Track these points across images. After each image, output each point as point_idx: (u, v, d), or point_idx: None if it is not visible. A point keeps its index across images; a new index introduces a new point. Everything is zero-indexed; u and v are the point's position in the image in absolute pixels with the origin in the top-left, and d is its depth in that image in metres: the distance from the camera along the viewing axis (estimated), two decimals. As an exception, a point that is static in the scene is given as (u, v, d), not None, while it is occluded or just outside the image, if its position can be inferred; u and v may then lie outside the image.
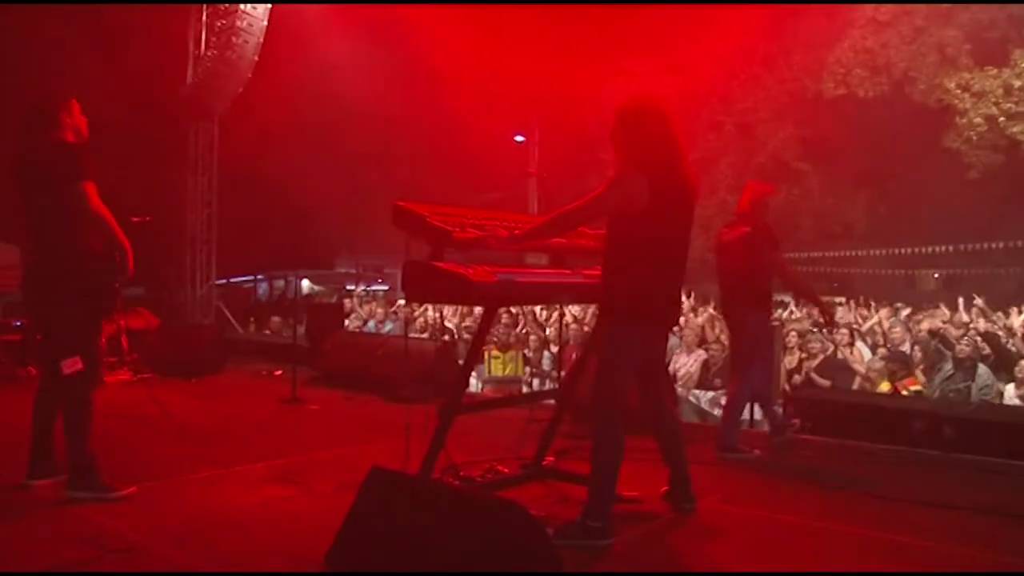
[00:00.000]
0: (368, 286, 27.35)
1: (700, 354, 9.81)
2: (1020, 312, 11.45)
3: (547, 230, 4.38)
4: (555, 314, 11.56)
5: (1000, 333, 9.86)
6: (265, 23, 13.73)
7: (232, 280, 24.15)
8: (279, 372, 10.32)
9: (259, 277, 28.83)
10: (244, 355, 12.00)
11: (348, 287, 27.04)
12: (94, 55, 14.83)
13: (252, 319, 17.63)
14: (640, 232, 4.16)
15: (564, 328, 9.97)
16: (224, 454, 5.92)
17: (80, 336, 4.76)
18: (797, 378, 9.34)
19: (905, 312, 12.85)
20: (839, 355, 9.43)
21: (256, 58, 13.82)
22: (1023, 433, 6.19)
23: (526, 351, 10.91)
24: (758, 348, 6.46)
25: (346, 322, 13.15)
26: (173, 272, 14.73)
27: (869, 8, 18.49)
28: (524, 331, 11.41)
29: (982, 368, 8.52)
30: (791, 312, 12.51)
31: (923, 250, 20.96)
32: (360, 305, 15.38)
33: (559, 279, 4.56)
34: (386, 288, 28.62)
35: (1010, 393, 8.24)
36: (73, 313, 4.72)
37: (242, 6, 13.45)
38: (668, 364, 9.32)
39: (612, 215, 4.27)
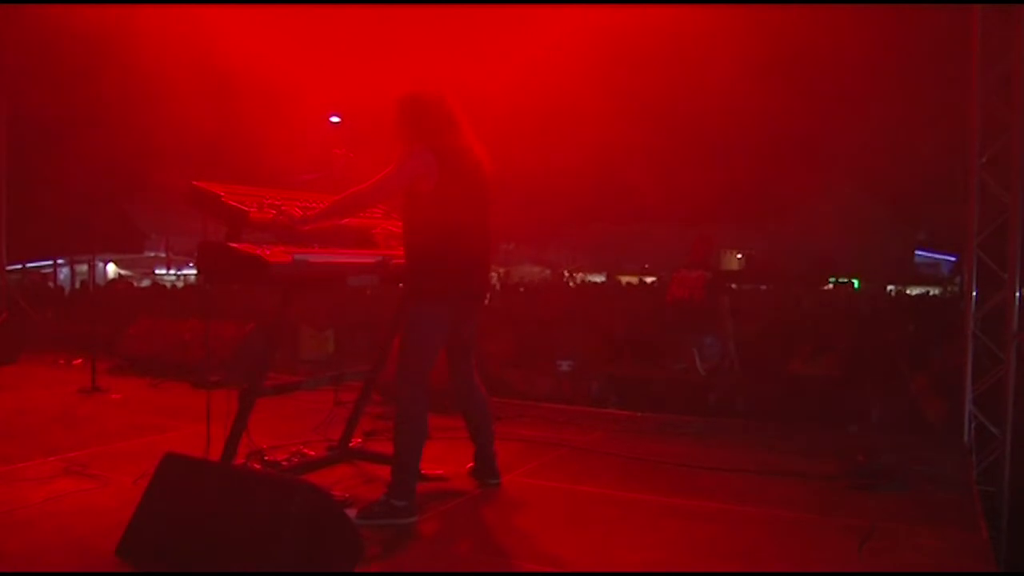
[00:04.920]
0: (179, 270, 26.38)
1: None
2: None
3: (339, 210, 4.39)
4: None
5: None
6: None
7: (28, 265, 22.73)
8: (79, 361, 9.79)
9: (59, 261, 27.20)
10: (41, 344, 11.30)
11: (158, 271, 26.00)
12: None
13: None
14: (434, 212, 4.23)
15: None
16: (12, 449, 5.55)
17: None
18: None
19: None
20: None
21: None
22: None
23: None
24: None
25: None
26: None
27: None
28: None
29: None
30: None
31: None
32: None
33: (358, 259, 4.54)
34: (197, 272, 27.63)
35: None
36: None
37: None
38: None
39: (406, 196, 4.32)
